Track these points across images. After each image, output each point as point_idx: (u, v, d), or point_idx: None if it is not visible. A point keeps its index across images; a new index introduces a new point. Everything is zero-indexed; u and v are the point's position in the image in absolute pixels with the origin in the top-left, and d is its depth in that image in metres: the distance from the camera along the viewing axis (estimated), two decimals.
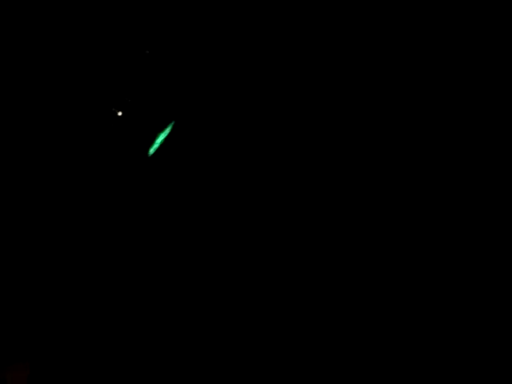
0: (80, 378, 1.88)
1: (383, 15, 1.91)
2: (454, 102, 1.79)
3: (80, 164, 2.20)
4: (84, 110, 2.19)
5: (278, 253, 2.08)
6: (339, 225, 1.90)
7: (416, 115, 1.84)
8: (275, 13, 2.15)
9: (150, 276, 2.21)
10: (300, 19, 2.12)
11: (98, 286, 2.19)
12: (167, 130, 2.27)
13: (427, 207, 1.76)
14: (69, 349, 1.96)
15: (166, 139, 2.27)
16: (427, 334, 1.65)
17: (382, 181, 1.85)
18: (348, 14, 1.97)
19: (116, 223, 2.28)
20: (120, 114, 2.26)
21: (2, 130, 2.04)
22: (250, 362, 1.80)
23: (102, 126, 2.23)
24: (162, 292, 2.18)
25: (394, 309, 1.71)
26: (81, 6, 2.10)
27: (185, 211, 2.28)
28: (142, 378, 1.87)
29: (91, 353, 1.96)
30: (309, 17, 2.09)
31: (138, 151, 2.26)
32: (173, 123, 2.27)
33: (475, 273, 1.65)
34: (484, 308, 1.61)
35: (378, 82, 1.91)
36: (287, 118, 2.14)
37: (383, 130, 1.88)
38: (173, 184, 2.31)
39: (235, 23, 2.18)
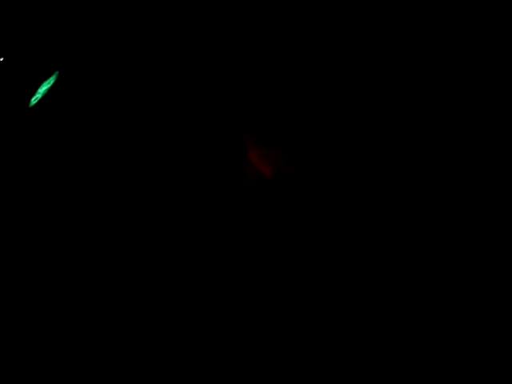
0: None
1: (383, 15, 1.91)
2: (454, 102, 1.79)
3: None
4: None
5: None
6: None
7: (415, 115, 1.83)
8: None
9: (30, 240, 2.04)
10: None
11: None
12: (51, 80, 2.15)
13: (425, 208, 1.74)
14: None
15: (50, 89, 2.14)
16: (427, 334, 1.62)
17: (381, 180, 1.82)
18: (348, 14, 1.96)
19: None
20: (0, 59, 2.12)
21: None
22: (250, 362, 1.72)
23: None
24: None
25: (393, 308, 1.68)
26: None
27: (69, 164, 2.13)
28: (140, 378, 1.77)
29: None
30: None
31: (18, 101, 2.12)
32: (57, 73, 2.15)
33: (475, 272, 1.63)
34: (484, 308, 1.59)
35: (377, 82, 1.90)
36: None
37: (383, 130, 1.86)
38: (57, 137, 2.17)
39: None
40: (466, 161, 1.75)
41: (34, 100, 2.14)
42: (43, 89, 2.14)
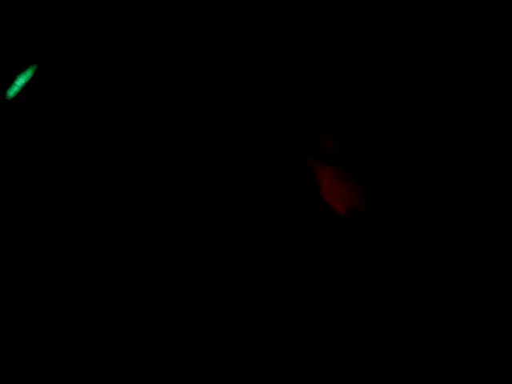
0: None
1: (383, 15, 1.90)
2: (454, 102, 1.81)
3: None
4: None
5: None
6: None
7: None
8: None
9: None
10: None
11: None
12: (29, 73, 2.08)
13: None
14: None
15: (28, 82, 2.07)
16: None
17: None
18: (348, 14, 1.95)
19: None
20: None
21: None
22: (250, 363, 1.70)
23: None
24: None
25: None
26: None
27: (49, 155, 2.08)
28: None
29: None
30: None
31: None
32: (35, 65, 2.09)
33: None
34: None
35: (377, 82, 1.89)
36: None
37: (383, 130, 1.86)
38: (38, 130, 2.11)
39: None
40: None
41: (11, 93, 2.03)
42: (21, 81, 2.05)
